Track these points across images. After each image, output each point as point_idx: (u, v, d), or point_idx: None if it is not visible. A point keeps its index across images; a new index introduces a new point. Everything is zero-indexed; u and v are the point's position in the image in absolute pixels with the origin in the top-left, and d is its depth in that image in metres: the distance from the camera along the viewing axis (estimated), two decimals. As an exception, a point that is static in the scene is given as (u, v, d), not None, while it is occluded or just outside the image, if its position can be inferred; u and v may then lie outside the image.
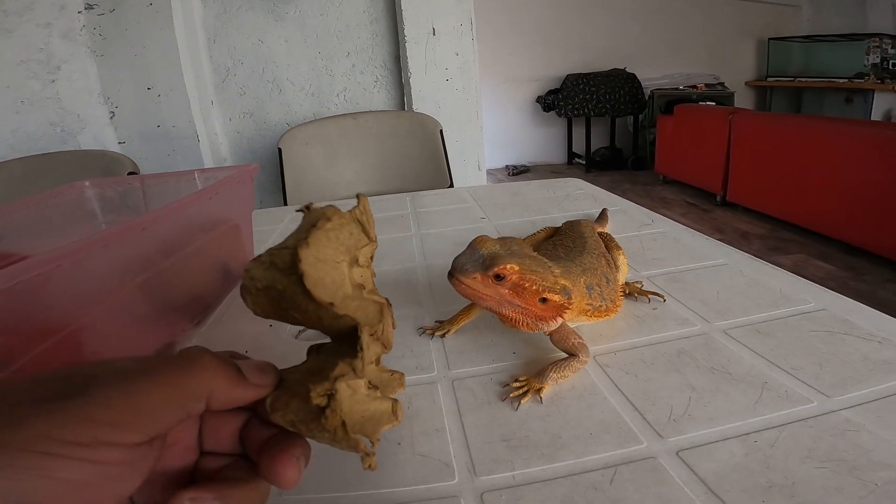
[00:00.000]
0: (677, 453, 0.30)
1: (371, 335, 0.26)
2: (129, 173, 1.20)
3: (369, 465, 0.23)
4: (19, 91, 1.29)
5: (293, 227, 0.25)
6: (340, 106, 1.52)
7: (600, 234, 0.54)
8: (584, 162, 4.60)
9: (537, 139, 4.87)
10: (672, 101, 3.92)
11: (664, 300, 0.49)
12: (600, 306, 0.41)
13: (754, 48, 4.96)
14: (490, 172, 4.72)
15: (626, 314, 0.47)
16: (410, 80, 1.44)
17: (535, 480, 0.29)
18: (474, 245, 0.35)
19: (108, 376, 0.18)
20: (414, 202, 0.91)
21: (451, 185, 1.30)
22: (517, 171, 4.67)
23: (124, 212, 0.61)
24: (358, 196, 0.33)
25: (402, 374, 0.29)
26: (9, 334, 0.29)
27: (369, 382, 0.26)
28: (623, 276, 0.51)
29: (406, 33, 1.40)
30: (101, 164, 1.21)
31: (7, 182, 1.14)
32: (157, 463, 0.19)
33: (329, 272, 0.25)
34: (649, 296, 0.49)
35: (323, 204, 0.31)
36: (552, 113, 4.63)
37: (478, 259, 0.34)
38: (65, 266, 0.32)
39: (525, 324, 0.36)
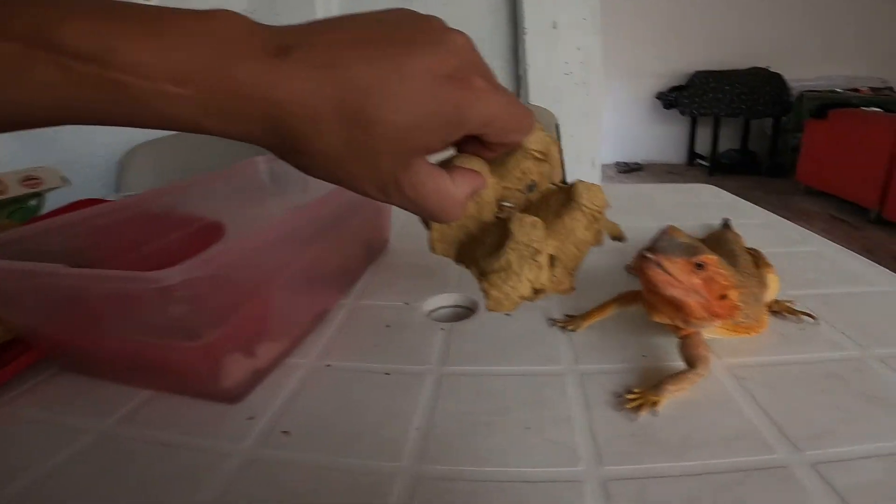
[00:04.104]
0: (813, 465, 0.29)
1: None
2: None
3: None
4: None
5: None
6: (457, 97, 1.55)
7: (749, 250, 0.51)
8: (706, 164, 4.24)
9: (654, 137, 4.56)
10: (825, 104, 3.46)
11: (815, 320, 0.46)
12: (742, 322, 0.40)
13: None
14: (598, 168, 4.55)
15: (770, 331, 0.44)
16: (528, 73, 1.42)
17: (662, 475, 0.30)
18: (669, 233, 0.36)
19: None
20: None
21: (564, 182, 1.28)
22: (628, 169, 4.41)
23: (288, 184, 0.68)
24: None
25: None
26: (216, 301, 0.35)
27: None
28: (773, 294, 0.48)
29: (525, 26, 1.39)
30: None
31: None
32: None
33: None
34: (801, 315, 0.46)
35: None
36: (673, 111, 4.30)
37: (680, 245, 0.34)
38: (258, 245, 0.38)
39: (697, 315, 0.36)
